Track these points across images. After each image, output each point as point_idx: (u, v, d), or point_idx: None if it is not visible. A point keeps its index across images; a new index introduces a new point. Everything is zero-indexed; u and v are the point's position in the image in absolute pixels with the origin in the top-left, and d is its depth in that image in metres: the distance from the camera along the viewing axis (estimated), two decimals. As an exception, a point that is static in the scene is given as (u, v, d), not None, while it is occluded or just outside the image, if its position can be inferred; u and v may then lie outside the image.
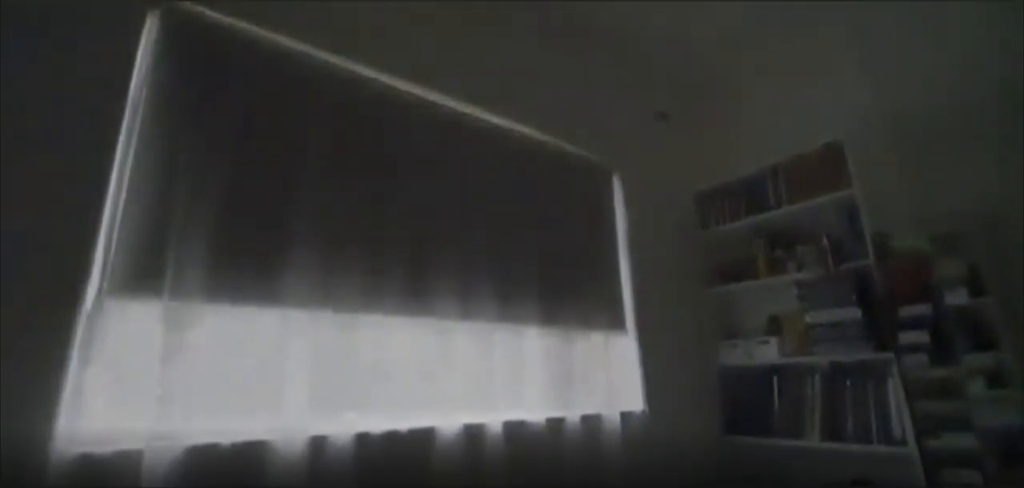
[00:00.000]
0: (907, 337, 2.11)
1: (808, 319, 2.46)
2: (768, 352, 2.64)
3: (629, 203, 2.76)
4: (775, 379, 2.60)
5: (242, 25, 1.68)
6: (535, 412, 2.03)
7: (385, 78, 1.98)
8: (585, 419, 2.14)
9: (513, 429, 1.92)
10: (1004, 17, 2.28)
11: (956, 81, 2.40)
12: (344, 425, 1.57)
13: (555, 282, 2.28)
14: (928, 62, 2.50)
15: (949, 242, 2.15)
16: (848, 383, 2.33)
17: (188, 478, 1.28)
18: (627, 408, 2.35)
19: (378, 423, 1.64)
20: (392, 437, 1.64)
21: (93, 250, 1.30)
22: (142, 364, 1.31)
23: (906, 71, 2.57)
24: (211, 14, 1.62)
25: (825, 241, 2.48)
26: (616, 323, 2.50)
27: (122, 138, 1.40)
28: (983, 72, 2.32)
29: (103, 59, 1.41)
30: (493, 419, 1.88)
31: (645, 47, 2.98)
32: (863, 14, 2.70)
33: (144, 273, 1.35)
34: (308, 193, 1.67)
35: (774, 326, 2.71)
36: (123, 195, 1.37)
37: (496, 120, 2.30)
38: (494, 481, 1.81)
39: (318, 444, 1.49)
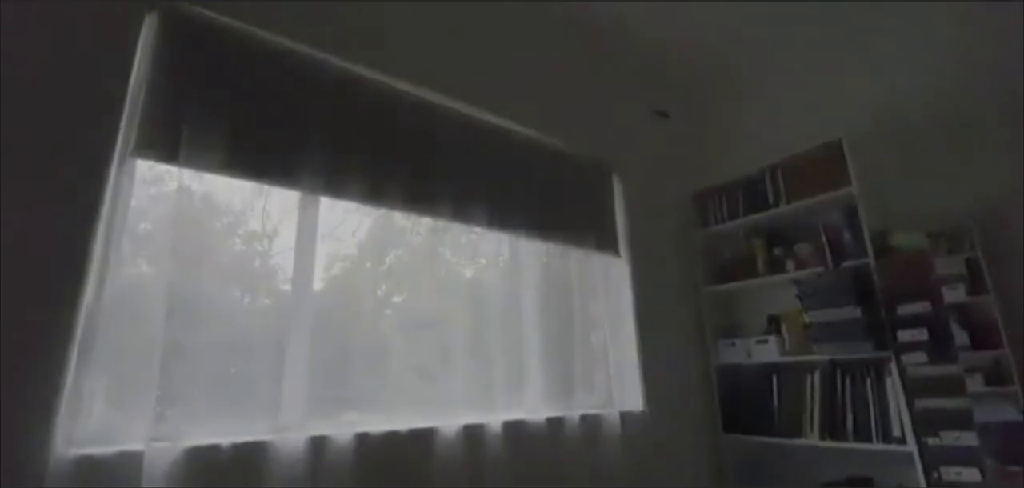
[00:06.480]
0: (906, 335, 2.12)
1: (807, 318, 2.46)
2: (767, 351, 2.64)
3: (628, 201, 2.76)
4: (774, 377, 2.60)
5: (240, 25, 1.67)
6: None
7: (385, 78, 1.98)
8: (585, 418, 2.14)
9: (513, 429, 1.92)
10: (1004, 18, 2.29)
11: (955, 80, 2.40)
12: (344, 425, 1.57)
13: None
14: (927, 61, 2.51)
15: (948, 239, 2.16)
16: (847, 381, 2.33)
17: (188, 479, 1.28)
18: (627, 407, 2.35)
19: (378, 423, 1.64)
20: (392, 437, 1.64)
21: (91, 250, 1.29)
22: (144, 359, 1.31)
23: (905, 70, 2.57)
24: (209, 14, 1.61)
25: (824, 240, 2.48)
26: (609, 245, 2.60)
27: (120, 139, 1.39)
28: (982, 72, 2.33)
29: (101, 59, 1.40)
30: (493, 419, 1.89)
31: (644, 45, 2.97)
32: (863, 14, 2.70)
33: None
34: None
35: (773, 325, 2.72)
36: (120, 197, 1.37)
37: (495, 119, 2.30)
38: (494, 481, 1.81)
39: (318, 444, 1.49)
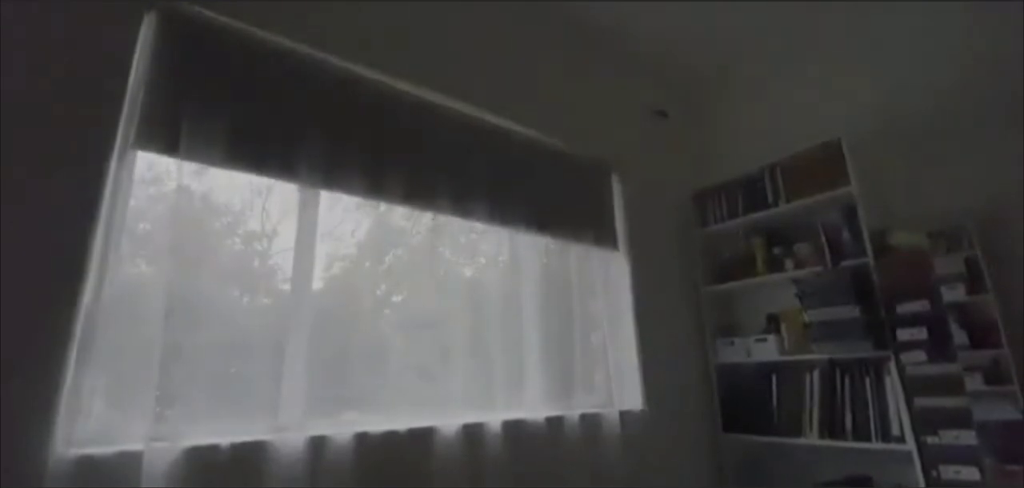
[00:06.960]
0: (905, 334, 2.12)
1: (806, 317, 2.46)
2: (767, 350, 2.64)
3: (627, 201, 2.76)
4: (774, 377, 2.60)
5: (239, 24, 1.67)
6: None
7: (385, 78, 1.97)
8: (584, 418, 2.15)
9: (512, 428, 1.92)
10: (1003, 17, 2.28)
11: (955, 79, 2.40)
12: (343, 425, 1.57)
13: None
14: (927, 61, 2.50)
15: (947, 239, 2.16)
16: (846, 380, 2.33)
17: (187, 479, 1.28)
18: (626, 406, 2.35)
19: (377, 423, 1.64)
20: (391, 437, 1.64)
21: (90, 250, 1.29)
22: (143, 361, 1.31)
23: (905, 69, 2.57)
24: (208, 14, 1.61)
25: (823, 239, 2.48)
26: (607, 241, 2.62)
27: (119, 136, 1.39)
28: (983, 72, 2.33)
29: (100, 59, 1.40)
30: (492, 418, 1.89)
31: (644, 45, 2.98)
32: (862, 13, 2.71)
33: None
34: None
35: (772, 324, 2.72)
36: (120, 195, 1.37)
37: (495, 119, 2.30)
38: (494, 481, 1.81)
39: (317, 444, 1.49)
